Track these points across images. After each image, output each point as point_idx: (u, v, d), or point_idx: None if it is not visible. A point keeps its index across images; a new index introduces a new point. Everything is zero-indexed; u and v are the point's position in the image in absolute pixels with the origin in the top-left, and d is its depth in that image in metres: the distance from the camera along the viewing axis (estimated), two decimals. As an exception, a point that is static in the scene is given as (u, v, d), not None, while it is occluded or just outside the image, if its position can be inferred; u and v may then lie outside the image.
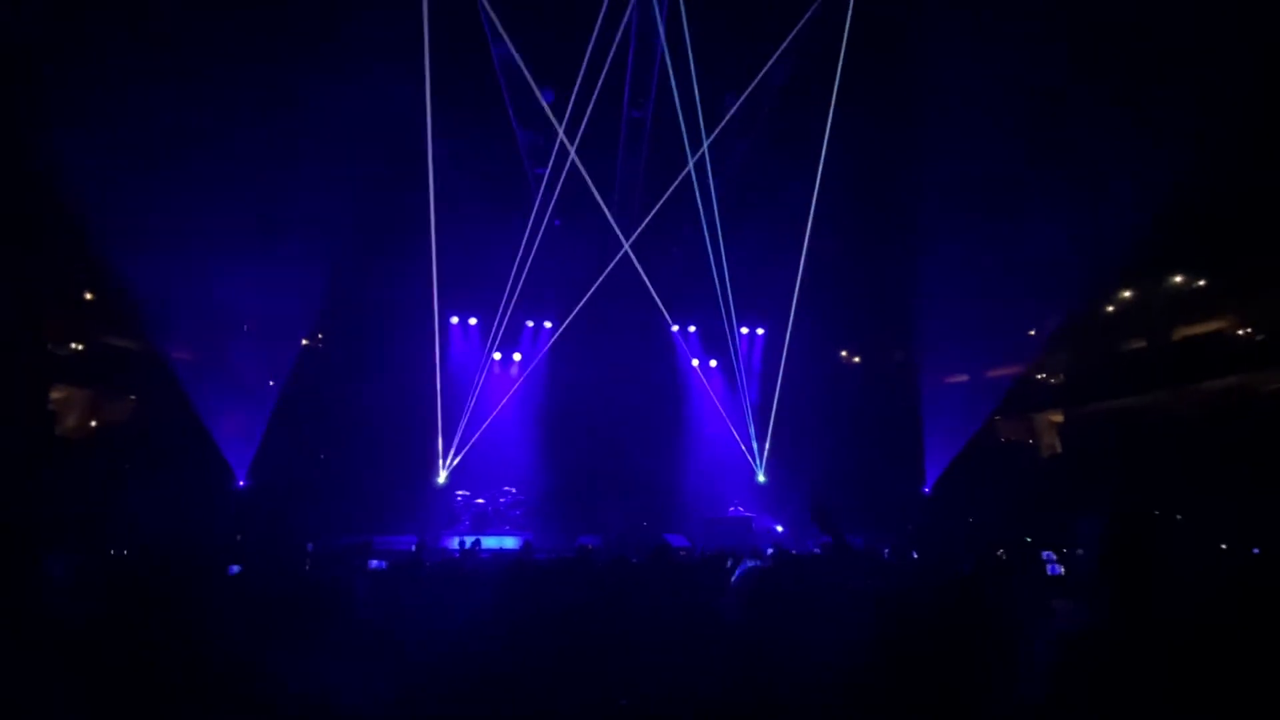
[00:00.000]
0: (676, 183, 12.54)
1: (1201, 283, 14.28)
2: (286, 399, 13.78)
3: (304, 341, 15.82)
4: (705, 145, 12.04)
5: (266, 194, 11.72)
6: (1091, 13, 9.09)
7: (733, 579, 2.00)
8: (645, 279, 13.69)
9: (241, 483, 12.64)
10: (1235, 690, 1.39)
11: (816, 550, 8.48)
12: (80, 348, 14.10)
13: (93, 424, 14.40)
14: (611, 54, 10.65)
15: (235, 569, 3.22)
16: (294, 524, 8.98)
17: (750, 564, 2.05)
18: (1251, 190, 10.66)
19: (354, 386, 13.85)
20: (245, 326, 15.16)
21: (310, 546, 6.04)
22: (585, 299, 13.51)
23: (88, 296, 13.96)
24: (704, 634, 2.38)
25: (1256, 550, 6.75)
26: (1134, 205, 10.91)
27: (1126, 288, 15.52)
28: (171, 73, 9.55)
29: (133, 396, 15.12)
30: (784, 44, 10.65)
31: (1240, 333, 13.34)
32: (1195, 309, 14.25)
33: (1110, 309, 15.83)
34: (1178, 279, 14.66)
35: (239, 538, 6.99)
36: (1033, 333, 16.65)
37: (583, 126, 11.72)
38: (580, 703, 1.90)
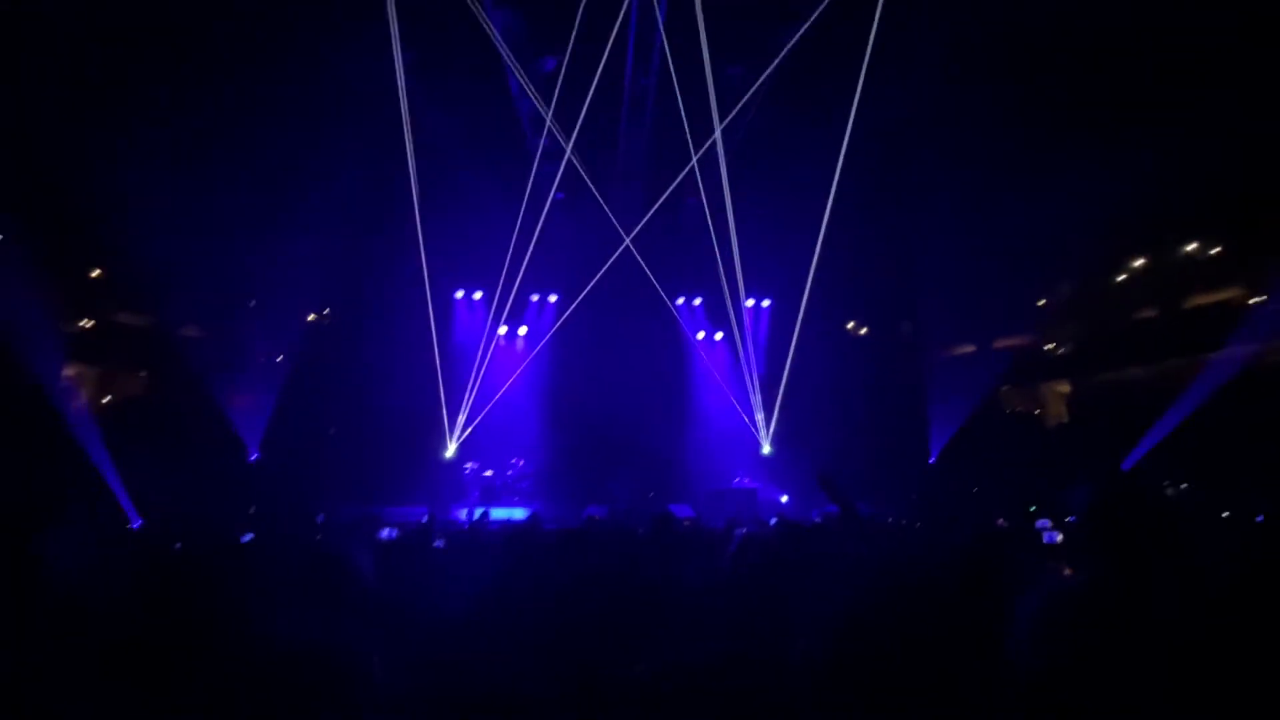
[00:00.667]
0: (685, 161, 12.34)
1: (1214, 251, 14.08)
2: (295, 374, 13.93)
3: (311, 316, 15.92)
4: (719, 121, 11.81)
5: (270, 170, 11.70)
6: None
7: (730, 547, 2.04)
8: (645, 256, 13.61)
9: (254, 456, 12.86)
10: (1228, 652, 1.42)
11: (817, 519, 8.57)
12: (90, 325, 14.24)
13: (105, 400, 14.62)
14: (619, 21, 10.43)
15: (248, 537, 3.30)
16: (305, 495, 9.16)
17: (741, 531, 2.08)
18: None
19: (361, 361, 13.97)
20: (252, 302, 15.24)
21: (320, 517, 6.16)
22: (591, 273, 13.45)
23: (96, 273, 14.07)
24: (704, 603, 2.44)
25: (1260, 518, 6.77)
26: (1144, 174, 10.71)
27: (1136, 256, 15.34)
28: (173, 57, 9.45)
29: (144, 373, 15.33)
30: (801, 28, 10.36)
31: (1251, 301, 13.16)
32: (1207, 278, 14.07)
33: (1120, 278, 15.66)
34: (1189, 247, 14.46)
35: (252, 510, 7.15)
36: (1042, 303, 16.52)
37: (589, 97, 11.53)
38: (584, 672, 1.96)
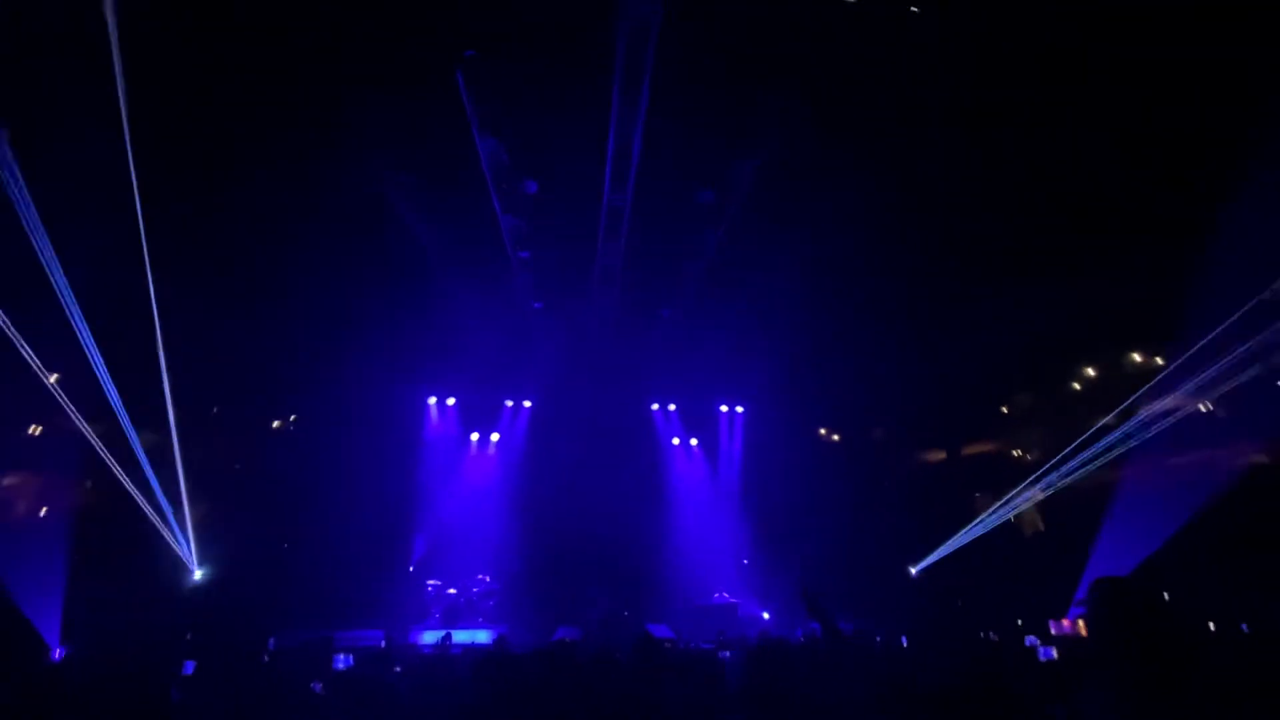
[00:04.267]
0: (659, 274, 12.90)
1: (1159, 360, 14.87)
2: (249, 484, 13.26)
3: (275, 424, 15.45)
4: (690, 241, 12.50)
5: (242, 270, 11.73)
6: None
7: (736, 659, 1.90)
8: (621, 363, 13.84)
9: (197, 574, 11.90)
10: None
11: (800, 637, 8.15)
12: (37, 430, 13.53)
13: (42, 511, 13.61)
14: (593, 145, 11.22)
15: (191, 667, 2.95)
16: (253, 618, 8.41)
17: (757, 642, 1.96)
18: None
19: (322, 471, 13.40)
20: (215, 409, 14.80)
21: (272, 643, 5.61)
22: (566, 380, 13.52)
23: (54, 378, 13.57)
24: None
25: (1245, 627, 6.67)
26: (1098, 291, 11.52)
27: (1090, 366, 16.11)
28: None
29: (89, 482, 14.43)
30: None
31: (1202, 409, 13.76)
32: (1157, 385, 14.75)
33: (1077, 386, 16.33)
34: (1137, 358, 15.28)
35: (189, 636, 6.49)
36: (1005, 410, 17.02)
37: (563, 212, 12.16)
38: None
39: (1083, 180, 10.68)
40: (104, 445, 13.41)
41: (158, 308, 11.11)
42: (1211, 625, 6.95)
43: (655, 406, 15.31)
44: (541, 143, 11.23)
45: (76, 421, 13.91)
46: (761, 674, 1.73)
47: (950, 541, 13.85)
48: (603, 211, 12.17)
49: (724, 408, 15.23)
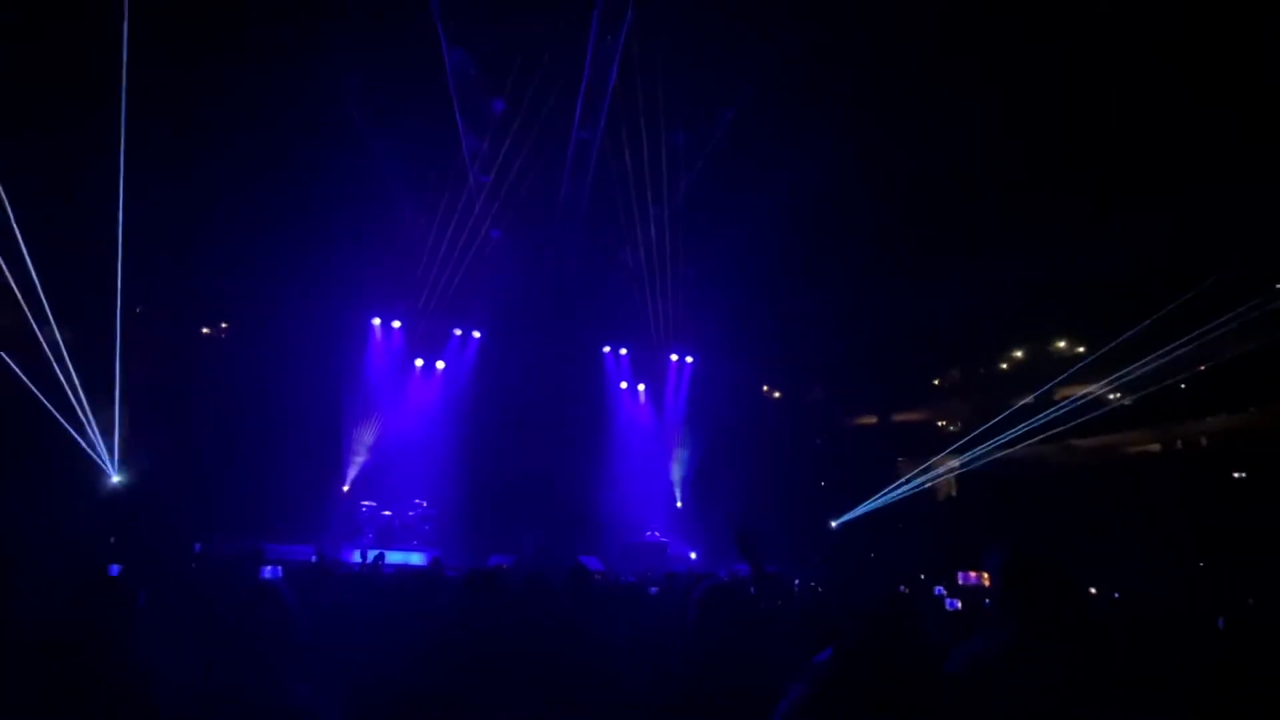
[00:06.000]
0: (623, 215, 12.71)
1: (1080, 349, 15.86)
2: (176, 390, 12.68)
3: (204, 330, 14.69)
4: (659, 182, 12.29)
5: (177, 162, 10.87)
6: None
7: (694, 598, 2.00)
8: (576, 303, 13.73)
9: (114, 478, 11.44)
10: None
11: (724, 576, 8.61)
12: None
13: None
14: (567, 74, 10.76)
15: (115, 569, 2.88)
16: (177, 525, 8.20)
17: (706, 584, 2.06)
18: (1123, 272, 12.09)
19: (256, 382, 12.88)
20: (138, 309, 13.90)
21: (198, 547, 5.52)
22: (519, 313, 13.33)
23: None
24: (635, 659, 2.37)
25: (1116, 595, 7.47)
26: (1029, 278, 12.08)
27: (1018, 348, 17.07)
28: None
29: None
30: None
31: (1111, 397, 14.86)
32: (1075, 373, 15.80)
33: (1004, 366, 17.31)
34: (1061, 344, 16.25)
35: (112, 539, 6.30)
36: (936, 382, 17.89)
37: (530, 140, 11.73)
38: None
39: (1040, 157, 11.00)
40: (10, 337, 12.48)
41: (83, 193, 10.25)
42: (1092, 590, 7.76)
43: (606, 349, 15.35)
44: (513, 61, 10.69)
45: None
46: (716, 618, 1.84)
47: (871, 500, 14.71)
48: (571, 145, 11.80)
49: (674, 357, 15.41)
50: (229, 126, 10.26)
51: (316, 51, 9.54)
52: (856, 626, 1.88)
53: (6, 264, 10.61)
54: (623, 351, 15.58)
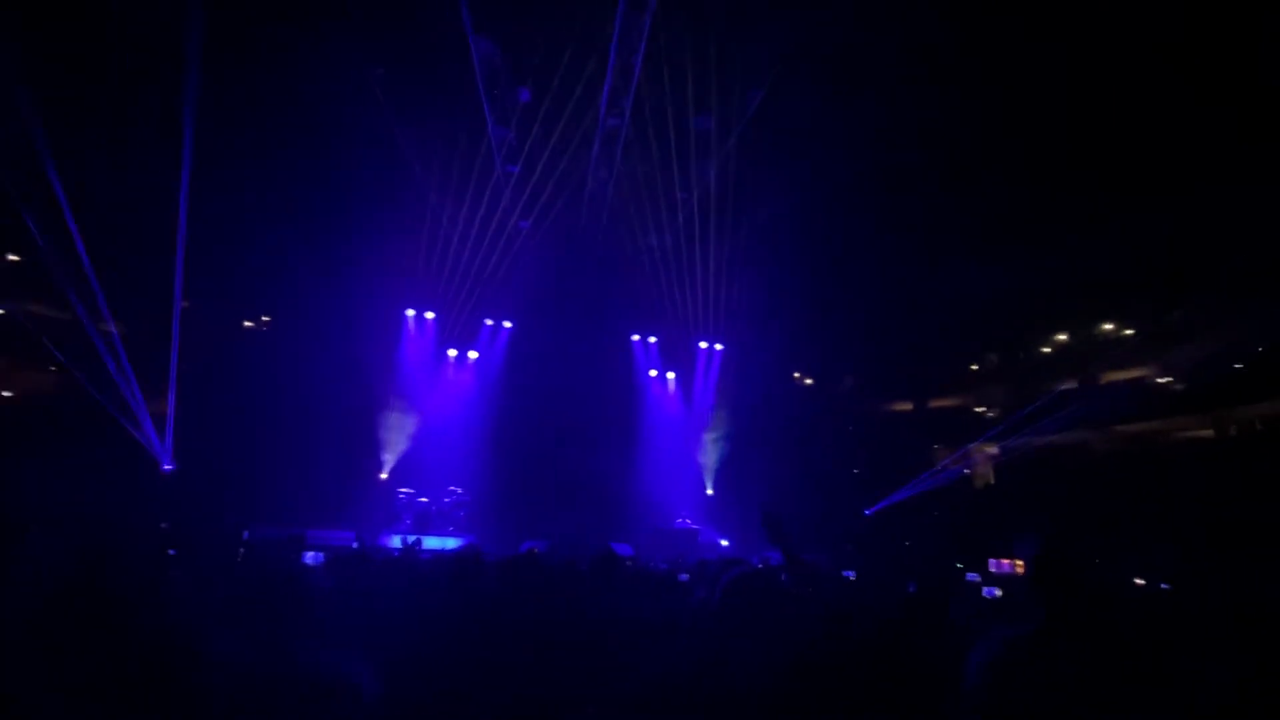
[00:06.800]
0: (651, 202, 12.66)
1: (1128, 331, 15.28)
2: (222, 381, 13.17)
3: (247, 324, 15.20)
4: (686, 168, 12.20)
5: (220, 163, 11.23)
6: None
7: (720, 583, 2.02)
8: (604, 291, 13.77)
9: (168, 466, 11.98)
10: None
11: (757, 564, 8.61)
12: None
13: (6, 394, 13.42)
14: (592, 61, 10.71)
15: (172, 553, 3.04)
16: (222, 512, 8.56)
17: (736, 571, 2.08)
18: (1177, 249, 11.57)
19: (297, 373, 13.32)
20: (185, 304, 14.44)
21: (246, 534, 5.76)
22: (549, 303, 13.45)
23: (12, 258, 13.07)
24: (659, 643, 2.40)
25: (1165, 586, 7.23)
26: (1073, 257, 11.64)
27: (1061, 331, 16.49)
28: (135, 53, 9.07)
29: (53, 368, 14.16)
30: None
31: (1160, 381, 14.30)
32: (1121, 356, 15.23)
33: (1045, 350, 16.77)
34: (1107, 326, 15.66)
35: (164, 525, 6.62)
36: (974, 367, 17.46)
37: (557, 129, 11.73)
38: (538, 708, 1.89)
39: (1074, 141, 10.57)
40: (69, 332, 13.11)
41: (136, 199, 10.69)
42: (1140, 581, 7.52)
43: (636, 338, 15.38)
44: (539, 49, 10.69)
45: (42, 307, 13.53)
46: (741, 601, 1.86)
47: (906, 488, 14.50)
48: (598, 132, 11.77)
49: (703, 344, 15.36)
50: (264, 127, 10.53)
51: (348, 49, 9.69)
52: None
53: (65, 264, 11.14)
54: (652, 339, 15.59)
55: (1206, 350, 12.65)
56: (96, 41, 9.12)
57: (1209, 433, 14.08)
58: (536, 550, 8.79)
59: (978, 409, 17.83)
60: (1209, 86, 8.90)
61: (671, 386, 15.55)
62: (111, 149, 10.35)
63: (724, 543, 13.24)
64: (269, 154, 10.87)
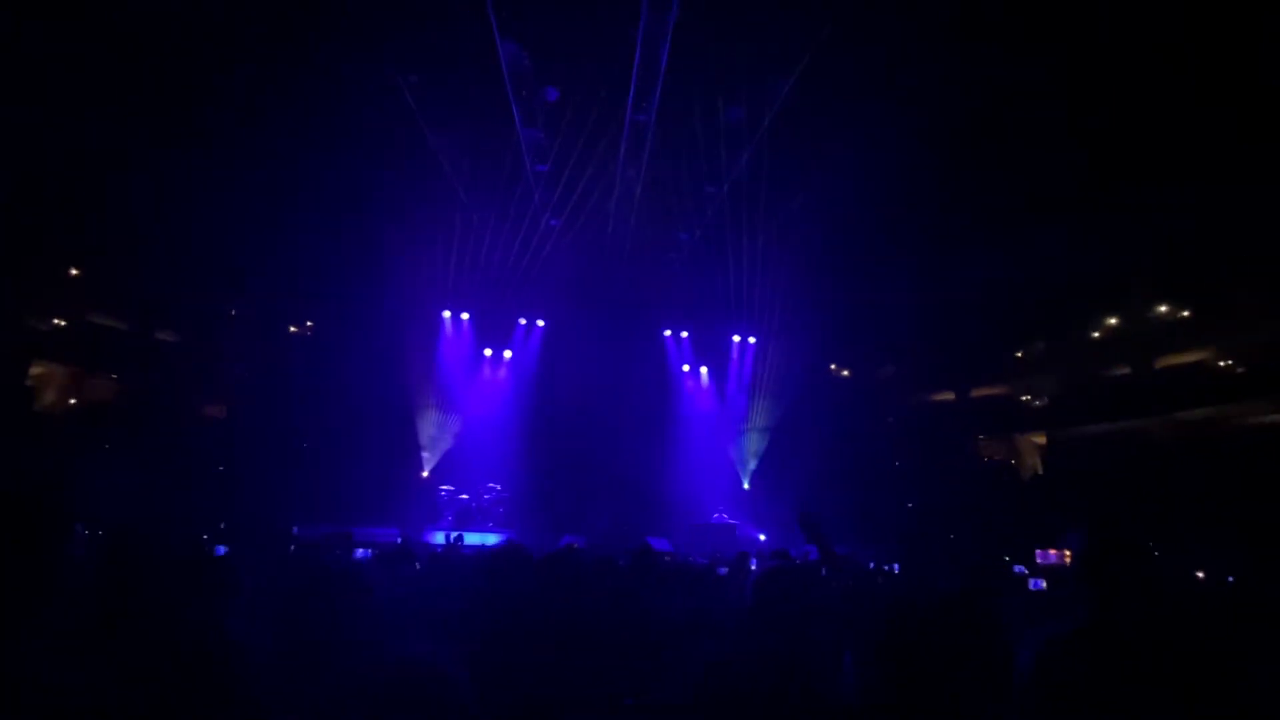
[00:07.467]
0: (680, 196, 12.59)
1: (1185, 314, 14.56)
2: (270, 386, 13.66)
3: (292, 329, 15.71)
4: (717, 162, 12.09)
5: (263, 178, 11.63)
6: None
7: (752, 576, 2.01)
8: (636, 287, 13.76)
9: (222, 468, 12.48)
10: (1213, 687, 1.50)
11: (795, 558, 8.51)
12: (63, 324, 13.87)
13: (72, 401, 14.17)
14: (618, 58, 10.68)
15: (221, 550, 3.17)
16: (274, 511, 8.88)
17: (767, 565, 2.06)
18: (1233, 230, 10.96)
19: (340, 376, 13.73)
20: (232, 312, 15.03)
21: (296, 530, 5.96)
22: (581, 300, 13.51)
23: (74, 272, 13.77)
24: (697, 639, 2.39)
25: (1231, 579, 6.88)
26: (1122, 237, 11.12)
27: (1111, 315, 15.80)
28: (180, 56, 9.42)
29: (114, 375, 14.91)
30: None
31: (1221, 364, 13.60)
32: (1178, 339, 14.51)
33: (1096, 335, 16.10)
34: (1162, 309, 14.94)
35: (222, 525, 6.91)
36: (1019, 355, 16.89)
37: (585, 127, 11.73)
38: (578, 702, 1.90)
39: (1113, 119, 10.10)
40: (129, 339, 13.74)
41: (187, 212, 11.15)
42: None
43: (668, 333, 15.35)
44: (565, 50, 10.71)
45: (103, 318, 14.23)
46: (775, 592, 1.84)
47: (950, 479, 14.14)
48: (625, 129, 11.74)
49: (736, 338, 15.23)
50: (304, 139, 10.84)
51: (378, 57, 9.88)
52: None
53: (120, 279, 11.69)
54: (684, 334, 15.54)
55: (1273, 331, 11.97)
56: (149, 58, 9.49)
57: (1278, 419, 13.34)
58: (575, 546, 8.87)
59: (1023, 398, 17.26)
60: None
61: (705, 381, 15.47)
62: (160, 168, 10.79)
63: (761, 537, 13.14)
64: (306, 165, 11.20)
